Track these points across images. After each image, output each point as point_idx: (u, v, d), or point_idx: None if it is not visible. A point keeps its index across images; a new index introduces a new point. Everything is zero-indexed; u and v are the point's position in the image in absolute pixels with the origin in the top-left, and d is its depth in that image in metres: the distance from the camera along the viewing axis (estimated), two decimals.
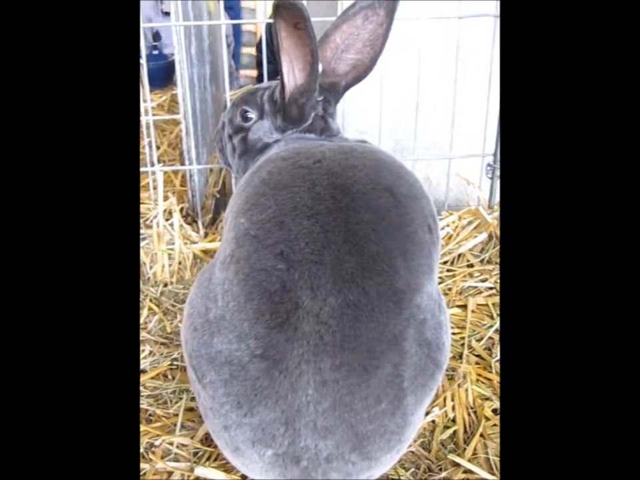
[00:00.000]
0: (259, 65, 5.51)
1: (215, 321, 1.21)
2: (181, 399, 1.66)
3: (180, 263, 2.26)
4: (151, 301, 2.10)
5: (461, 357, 1.84)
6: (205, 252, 2.34)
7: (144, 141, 2.46)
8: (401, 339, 1.18)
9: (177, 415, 1.60)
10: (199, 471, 1.42)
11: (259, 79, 5.15)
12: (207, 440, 1.50)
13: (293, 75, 1.44)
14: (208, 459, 1.47)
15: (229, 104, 2.52)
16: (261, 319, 1.14)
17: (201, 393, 1.26)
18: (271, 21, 1.43)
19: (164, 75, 4.55)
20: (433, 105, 2.51)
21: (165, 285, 2.19)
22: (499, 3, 2.31)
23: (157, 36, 4.94)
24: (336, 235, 1.17)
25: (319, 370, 1.13)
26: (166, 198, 2.46)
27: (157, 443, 1.52)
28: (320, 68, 1.42)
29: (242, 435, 1.20)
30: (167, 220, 2.38)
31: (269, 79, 2.47)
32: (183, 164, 2.57)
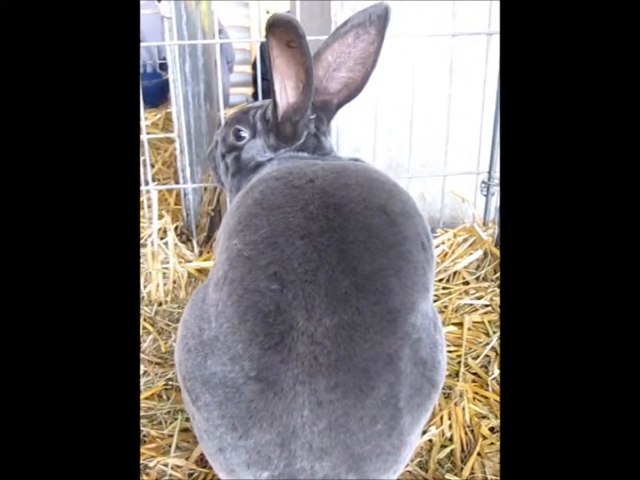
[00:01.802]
0: (254, 83, 5.53)
1: (209, 343, 1.20)
2: (175, 419, 1.65)
3: (174, 282, 2.25)
4: (145, 320, 2.09)
5: (457, 375, 1.83)
6: (200, 271, 2.33)
7: None
8: (396, 358, 1.18)
9: (171, 436, 1.59)
10: None
11: (255, 96, 5.17)
12: (202, 461, 1.49)
13: (285, 93, 1.44)
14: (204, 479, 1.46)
15: (223, 122, 2.53)
16: (255, 340, 1.13)
17: (196, 415, 1.25)
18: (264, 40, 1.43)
19: (158, 93, 4.56)
20: (427, 122, 2.51)
21: (160, 304, 2.18)
22: (490, 20, 2.33)
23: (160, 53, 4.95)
24: (329, 254, 1.16)
25: (314, 391, 1.12)
26: (160, 217, 2.46)
27: (151, 464, 1.50)
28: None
29: (237, 458, 1.19)
30: (161, 239, 2.38)
31: (264, 96, 2.47)
32: (177, 182, 2.57)
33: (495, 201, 2.57)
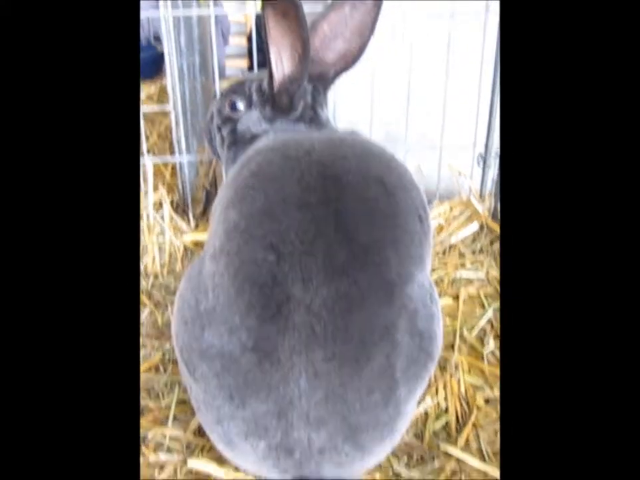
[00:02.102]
0: (250, 55, 5.48)
1: (206, 314, 1.21)
2: (173, 391, 1.66)
3: (170, 254, 2.25)
4: (141, 293, 2.09)
5: (452, 347, 1.84)
6: (196, 243, 2.33)
7: None
8: (392, 329, 1.18)
9: (169, 408, 1.60)
10: (192, 463, 1.42)
11: (250, 69, 5.12)
12: (200, 432, 1.50)
13: (281, 64, 1.44)
14: (201, 451, 1.47)
15: (218, 95, 2.51)
16: (252, 311, 1.14)
17: (193, 387, 1.26)
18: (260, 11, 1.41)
19: (153, 66, 4.51)
20: (423, 95, 2.50)
21: (156, 277, 2.18)
22: None
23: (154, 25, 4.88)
24: (326, 225, 1.16)
25: (311, 362, 1.13)
26: (156, 189, 2.45)
27: (149, 435, 1.51)
28: None
29: (235, 428, 1.20)
30: (156, 211, 2.37)
31: (260, 68, 2.45)
32: (172, 155, 2.55)
33: (492, 173, 2.56)
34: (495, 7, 2.30)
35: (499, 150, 2.50)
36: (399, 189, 1.28)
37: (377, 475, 1.44)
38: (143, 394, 1.66)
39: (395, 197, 1.26)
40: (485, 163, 2.55)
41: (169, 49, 2.32)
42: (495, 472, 1.43)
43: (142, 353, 1.81)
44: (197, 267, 1.31)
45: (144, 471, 1.42)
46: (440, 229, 2.41)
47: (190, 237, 2.34)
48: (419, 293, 1.25)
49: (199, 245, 2.32)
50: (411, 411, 1.31)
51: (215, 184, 2.83)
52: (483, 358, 1.79)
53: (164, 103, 2.47)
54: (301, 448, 1.18)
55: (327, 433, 1.17)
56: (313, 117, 1.55)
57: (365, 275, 1.16)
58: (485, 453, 1.49)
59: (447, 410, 1.63)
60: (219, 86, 2.39)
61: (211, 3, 2.33)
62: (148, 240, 2.25)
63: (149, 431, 1.52)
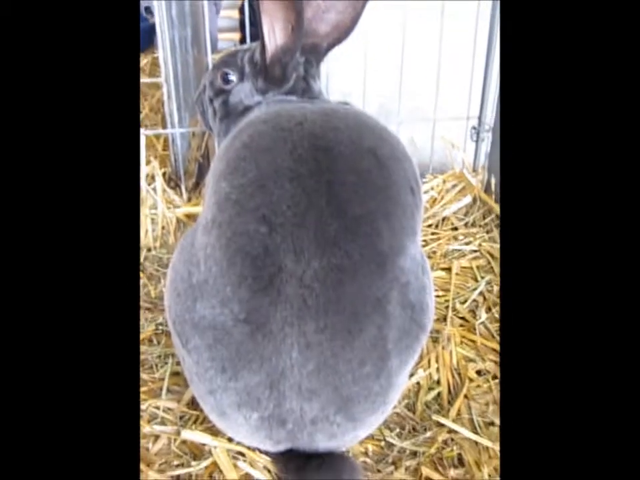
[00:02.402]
0: (242, 28, 5.43)
1: (198, 286, 1.21)
2: (166, 363, 1.67)
3: (163, 227, 2.25)
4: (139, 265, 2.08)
5: (445, 319, 1.85)
6: (189, 216, 2.32)
7: None
8: (384, 301, 1.19)
9: (162, 380, 1.61)
10: (186, 434, 1.42)
11: (242, 41, 5.08)
12: (193, 403, 1.50)
13: (273, 35, 1.42)
14: (195, 422, 1.48)
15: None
16: (243, 283, 1.14)
17: (186, 358, 1.26)
18: None
19: (144, 38, 4.46)
20: (417, 67, 2.48)
21: (149, 250, 2.18)
22: None
23: None
24: (318, 197, 1.16)
25: (302, 333, 1.13)
26: (148, 162, 2.44)
27: (143, 407, 1.52)
28: None
29: (227, 399, 1.20)
30: (149, 184, 2.36)
31: (252, 41, 2.43)
32: (165, 128, 2.54)
33: (485, 146, 2.56)
34: None
35: (492, 123, 2.50)
36: (392, 160, 1.28)
37: (370, 446, 1.45)
38: None
39: (388, 168, 1.26)
40: (478, 135, 2.55)
41: (160, 20, 2.29)
42: (486, 442, 1.44)
43: None
44: (190, 238, 1.31)
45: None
46: (433, 201, 2.41)
47: (182, 209, 2.33)
48: (410, 265, 1.26)
49: (191, 217, 2.32)
50: (403, 382, 1.33)
51: (207, 156, 2.81)
52: (475, 330, 1.80)
53: (156, 75, 2.44)
54: (294, 419, 1.19)
55: (319, 404, 1.18)
56: (306, 89, 1.54)
57: (357, 247, 1.16)
58: (476, 423, 1.51)
59: (439, 381, 1.64)
60: (211, 59, 2.37)
61: None
62: (141, 213, 2.24)
63: (143, 402, 1.53)
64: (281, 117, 1.31)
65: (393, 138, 1.36)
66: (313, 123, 1.27)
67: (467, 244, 2.19)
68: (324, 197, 1.16)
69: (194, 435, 1.42)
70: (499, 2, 2.28)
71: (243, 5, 5.26)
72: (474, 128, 2.55)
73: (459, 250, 2.18)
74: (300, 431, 1.21)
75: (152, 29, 2.64)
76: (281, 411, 1.18)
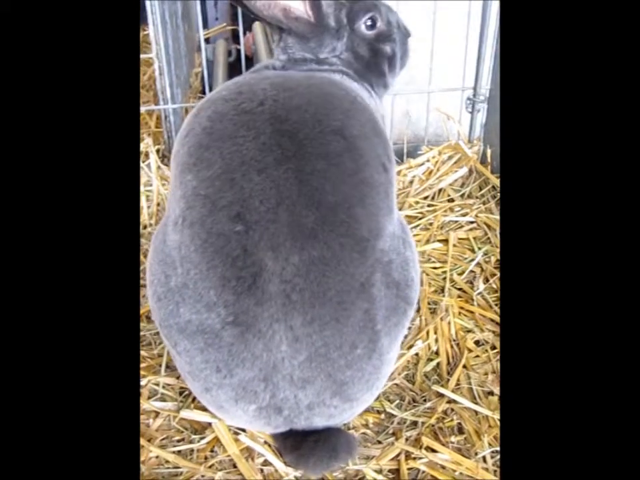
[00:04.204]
0: (232, 6, 5.36)
1: (178, 290, 1.19)
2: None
3: (158, 204, 2.23)
4: (140, 245, 2.07)
5: (442, 290, 1.85)
6: None
7: None
8: (368, 285, 1.18)
9: (161, 356, 1.61)
10: (185, 414, 1.43)
11: (234, 18, 5.04)
12: None
13: None
14: (194, 400, 1.48)
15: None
16: (227, 285, 1.13)
17: (177, 358, 1.26)
18: None
19: None
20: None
21: (144, 227, 2.17)
22: None
23: None
24: (289, 188, 1.14)
25: (289, 327, 1.13)
26: (141, 139, 2.42)
27: (142, 383, 1.52)
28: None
29: (224, 395, 1.21)
30: (143, 162, 2.35)
31: (243, 17, 2.42)
32: (157, 105, 2.52)
33: (480, 117, 2.54)
34: None
35: (487, 94, 2.48)
36: (360, 139, 1.24)
37: (370, 418, 1.46)
38: None
39: (357, 149, 1.23)
40: (473, 106, 2.53)
41: None
42: (486, 411, 1.44)
43: None
44: (161, 235, 1.28)
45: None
46: (429, 173, 2.40)
47: None
48: (391, 243, 1.25)
49: None
50: (395, 355, 1.33)
51: None
52: (472, 301, 1.80)
53: (146, 52, 2.41)
54: (289, 406, 1.20)
55: (314, 391, 1.19)
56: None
57: (336, 236, 1.14)
58: (475, 393, 1.51)
59: (437, 352, 1.65)
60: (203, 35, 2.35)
61: None
62: None
63: (142, 379, 1.53)
64: (242, 95, 1.27)
65: (361, 111, 1.32)
66: (275, 102, 1.23)
67: (463, 215, 2.19)
68: (295, 186, 1.14)
69: (193, 414, 1.42)
70: None
71: None
72: (469, 99, 2.53)
73: (456, 221, 2.17)
74: (297, 416, 1.23)
75: (142, 4, 2.61)
76: (276, 400, 1.19)
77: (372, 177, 1.22)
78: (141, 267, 1.95)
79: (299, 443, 1.27)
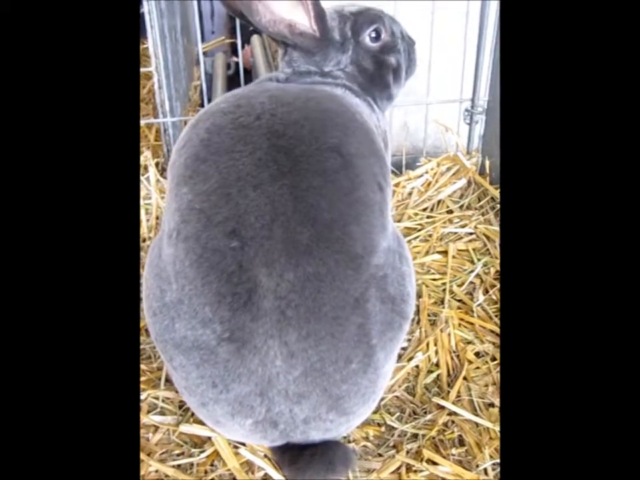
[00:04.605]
0: (231, 18, 5.39)
1: (173, 306, 1.19)
2: None
3: (157, 217, 2.23)
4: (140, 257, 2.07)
5: (442, 302, 1.85)
6: None
7: None
8: (363, 300, 1.18)
9: (160, 369, 1.60)
10: (184, 427, 1.42)
11: (232, 31, 5.06)
12: None
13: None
14: (193, 413, 1.47)
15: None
16: (222, 301, 1.13)
17: (173, 373, 1.26)
18: None
19: None
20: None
21: (144, 240, 2.17)
22: None
23: None
24: (284, 204, 1.14)
25: (284, 343, 1.13)
26: (140, 153, 2.42)
27: (142, 397, 1.51)
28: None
29: (220, 410, 1.21)
30: (142, 175, 2.35)
31: (242, 31, 2.43)
32: (156, 118, 2.52)
33: (479, 129, 2.55)
34: None
35: (485, 105, 2.49)
36: (357, 157, 1.24)
37: (370, 431, 1.45)
38: None
39: (354, 167, 1.22)
40: (471, 118, 2.54)
41: (149, 9, 2.27)
42: (487, 423, 1.44)
43: None
44: (157, 249, 1.28)
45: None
46: (427, 185, 2.40)
47: None
48: (386, 258, 1.25)
49: None
50: (391, 369, 1.34)
51: None
52: (472, 312, 1.80)
53: (146, 66, 2.42)
54: (284, 420, 1.20)
55: (309, 405, 1.18)
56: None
57: (331, 253, 1.14)
58: (476, 405, 1.51)
59: (438, 364, 1.64)
60: (201, 48, 2.36)
61: None
62: None
63: (142, 392, 1.52)
64: (240, 109, 1.27)
65: (359, 130, 1.32)
66: (272, 116, 1.23)
67: (462, 226, 2.19)
68: (290, 203, 1.14)
69: (192, 429, 1.42)
70: None
71: None
72: (467, 110, 2.54)
73: (455, 233, 2.17)
74: (293, 430, 1.22)
75: (141, 19, 2.62)
76: (272, 414, 1.19)
77: (367, 195, 1.23)
78: (140, 281, 1.96)
79: (296, 457, 1.26)
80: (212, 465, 1.37)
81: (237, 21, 2.45)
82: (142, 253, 2.09)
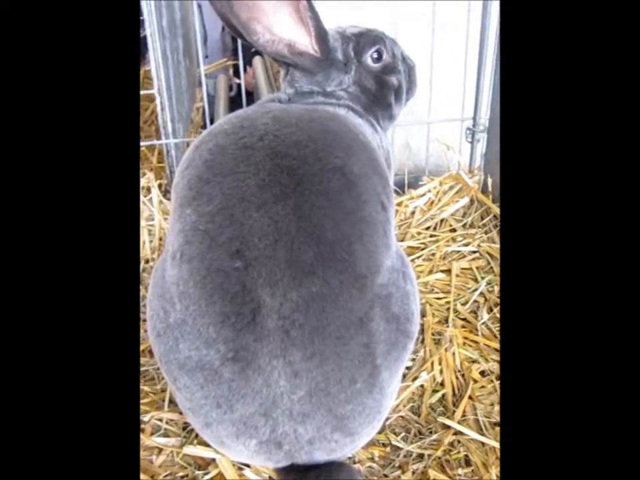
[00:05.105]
0: (234, 40, 5.43)
1: (177, 326, 1.18)
2: None
3: (160, 239, 2.24)
4: (140, 277, 2.07)
5: (446, 321, 1.84)
6: None
7: None
8: (367, 320, 1.18)
9: (164, 391, 1.59)
10: (188, 449, 1.41)
11: (234, 53, 5.10)
12: None
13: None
14: (197, 435, 1.46)
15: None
16: (226, 322, 1.12)
17: (177, 394, 1.25)
18: None
19: None
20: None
21: (147, 262, 2.17)
22: None
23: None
24: (287, 224, 1.13)
25: (288, 363, 1.12)
26: (143, 174, 2.43)
27: (145, 418, 1.51)
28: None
29: (224, 431, 1.20)
30: (145, 196, 2.35)
31: (244, 53, 2.45)
32: (159, 139, 2.54)
33: (480, 147, 2.55)
34: None
35: (487, 124, 2.49)
36: (360, 177, 1.25)
37: (376, 451, 1.44)
38: None
39: (357, 187, 1.23)
40: (473, 136, 2.54)
41: (151, 31, 2.29)
42: (493, 443, 1.43)
43: None
44: (160, 270, 1.27)
45: (141, 455, 1.42)
46: (430, 203, 2.41)
47: None
48: (390, 277, 1.25)
49: None
50: (396, 389, 1.33)
51: None
52: (477, 331, 1.79)
53: (148, 88, 2.44)
54: (289, 441, 1.19)
55: (314, 426, 1.17)
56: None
57: (335, 273, 1.14)
58: (482, 424, 1.50)
59: (442, 383, 1.63)
60: (204, 70, 2.37)
61: None
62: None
63: (145, 414, 1.52)
64: (243, 130, 1.27)
65: (362, 149, 1.32)
66: (275, 137, 1.23)
67: (465, 245, 2.19)
68: (293, 223, 1.14)
69: (196, 450, 1.41)
70: (489, 3, 2.28)
71: None
72: (469, 129, 2.54)
73: (458, 251, 2.17)
74: (297, 451, 1.21)
75: (143, 41, 2.64)
76: (276, 435, 1.18)
77: (371, 215, 1.23)
78: (143, 302, 1.95)
79: (300, 478, 1.25)
80: None
81: (239, 43, 2.46)
82: (145, 274, 2.09)
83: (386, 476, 1.39)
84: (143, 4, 2.26)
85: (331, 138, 1.28)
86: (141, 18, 2.33)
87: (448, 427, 1.49)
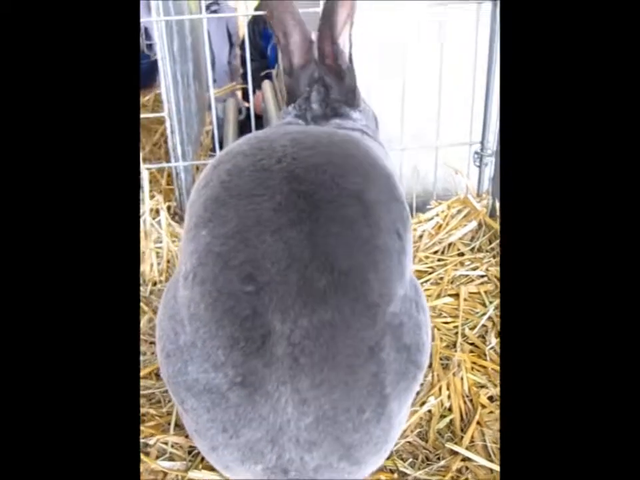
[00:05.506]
0: (243, 63, 5.48)
1: (186, 348, 1.18)
2: None
3: (168, 261, 2.24)
4: (140, 300, 2.07)
5: (455, 345, 1.83)
6: None
7: None
8: (377, 349, 1.16)
9: (170, 414, 1.58)
10: (193, 474, 1.40)
11: (244, 76, 5.14)
12: None
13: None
14: (203, 459, 1.45)
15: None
16: (235, 346, 1.11)
17: (184, 415, 1.25)
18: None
19: (146, 75, 4.51)
20: (418, 94, 2.50)
21: (154, 284, 2.17)
22: None
23: (147, 34, 4.87)
24: (301, 250, 1.12)
25: (296, 390, 1.11)
26: (152, 197, 2.44)
27: (151, 442, 1.50)
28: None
29: (230, 455, 1.19)
30: (153, 218, 2.36)
31: (253, 76, 2.46)
32: (168, 162, 2.55)
33: (489, 171, 2.56)
34: (487, 6, 2.31)
35: (495, 148, 2.50)
36: (377, 204, 1.24)
37: (383, 477, 1.43)
38: (143, 401, 1.64)
39: (373, 215, 1.21)
40: (481, 160, 2.55)
41: (162, 55, 2.31)
42: None
43: (141, 359, 1.80)
44: (172, 291, 1.27)
45: (147, 478, 1.41)
46: (438, 227, 2.40)
47: None
48: (402, 306, 1.23)
49: None
50: (404, 418, 1.31)
51: None
52: (485, 356, 1.78)
53: (158, 111, 2.46)
54: (295, 467, 1.18)
55: (321, 453, 1.16)
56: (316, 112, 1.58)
57: (347, 301, 1.13)
58: (490, 450, 1.48)
59: (450, 409, 1.62)
60: (213, 94, 2.39)
61: (203, 7, 2.33)
62: (145, 247, 2.24)
63: (151, 438, 1.51)
64: (262, 152, 1.27)
65: (380, 177, 1.31)
66: (293, 160, 1.23)
67: (473, 269, 2.18)
68: (308, 249, 1.13)
69: (202, 475, 1.40)
70: (497, 26, 2.29)
71: (243, 41, 5.32)
72: (477, 153, 2.55)
73: (466, 275, 2.16)
74: (303, 478, 1.20)
75: (154, 65, 2.67)
76: (282, 461, 1.17)
77: (386, 244, 1.21)
78: (151, 324, 1.95)
79: None
80: None
81: (248, 67, 2.48)
82: (152, 297, 2.09)
83: None
84: (154, 27, 2.29)
85: (350, 163, 1.28)
86: (152, 42, 2.35)
87: (456, 453, 1.47)
